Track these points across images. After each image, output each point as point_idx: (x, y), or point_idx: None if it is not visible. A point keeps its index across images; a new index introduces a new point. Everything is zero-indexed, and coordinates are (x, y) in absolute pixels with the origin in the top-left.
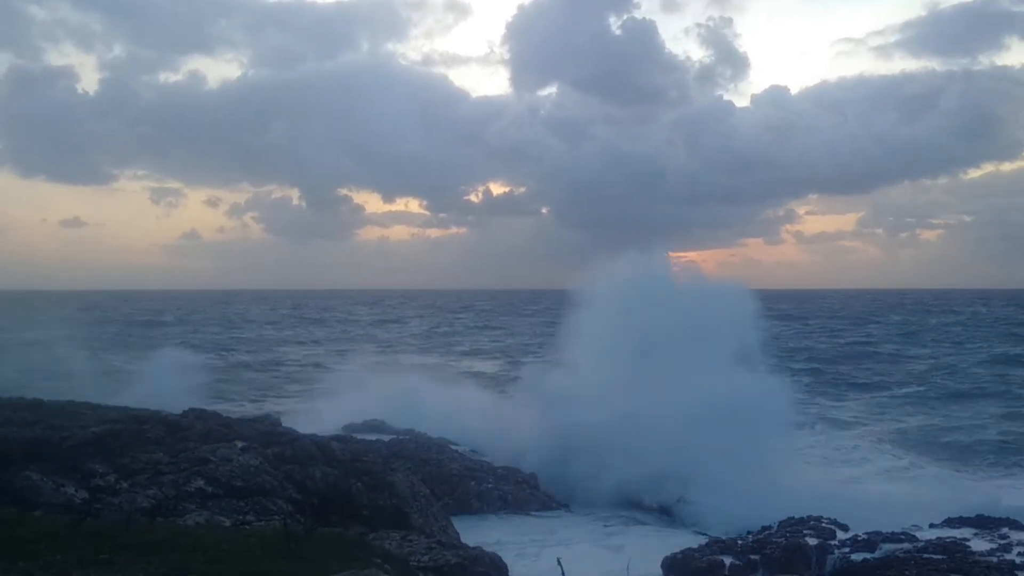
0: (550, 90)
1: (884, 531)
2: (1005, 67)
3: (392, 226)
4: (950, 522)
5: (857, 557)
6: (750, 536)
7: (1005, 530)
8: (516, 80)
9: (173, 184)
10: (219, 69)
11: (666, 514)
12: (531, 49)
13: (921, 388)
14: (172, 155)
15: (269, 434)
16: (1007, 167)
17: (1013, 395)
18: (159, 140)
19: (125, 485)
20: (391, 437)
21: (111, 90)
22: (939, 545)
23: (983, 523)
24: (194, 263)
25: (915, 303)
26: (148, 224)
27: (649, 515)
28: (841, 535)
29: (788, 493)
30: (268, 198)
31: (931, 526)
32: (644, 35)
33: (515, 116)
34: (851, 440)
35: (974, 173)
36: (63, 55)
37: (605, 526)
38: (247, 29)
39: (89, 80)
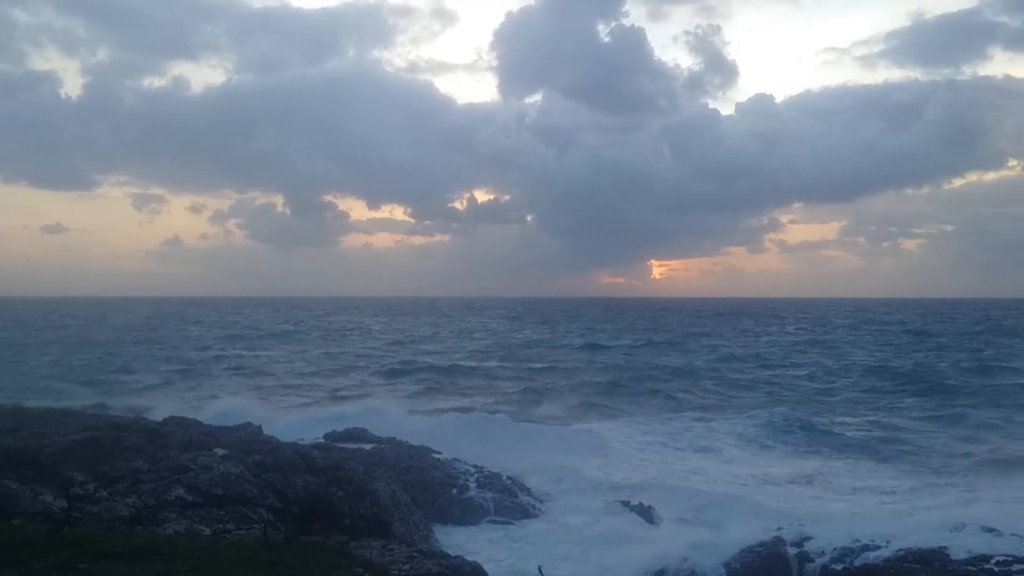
0: (537, 97)
1: (863, 540)
2: (988, 77)
3: (376, 233)
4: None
5: (836, 566)
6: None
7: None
8: (503, 87)
9: (156, 190)
10: (204, 75)
11: None
12: (519, 56)
13: None
14: (155, 161)
15: (250, 442)
16: (990, 176)
17: None
18: (143, 146)
19: (105, 493)
20: (372, 445)
21: (95, 95)
22: (917, 554)
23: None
24: (177, 269)
25: None
26: (131, 230)
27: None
28: (820, 544)
29: None
30: (252, 204)
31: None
32: (633, 42)
33: (502, 123)
34: None
35: (957, 182)
36: (46, 60)
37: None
38: (232, 34)
39: (72, 85)
